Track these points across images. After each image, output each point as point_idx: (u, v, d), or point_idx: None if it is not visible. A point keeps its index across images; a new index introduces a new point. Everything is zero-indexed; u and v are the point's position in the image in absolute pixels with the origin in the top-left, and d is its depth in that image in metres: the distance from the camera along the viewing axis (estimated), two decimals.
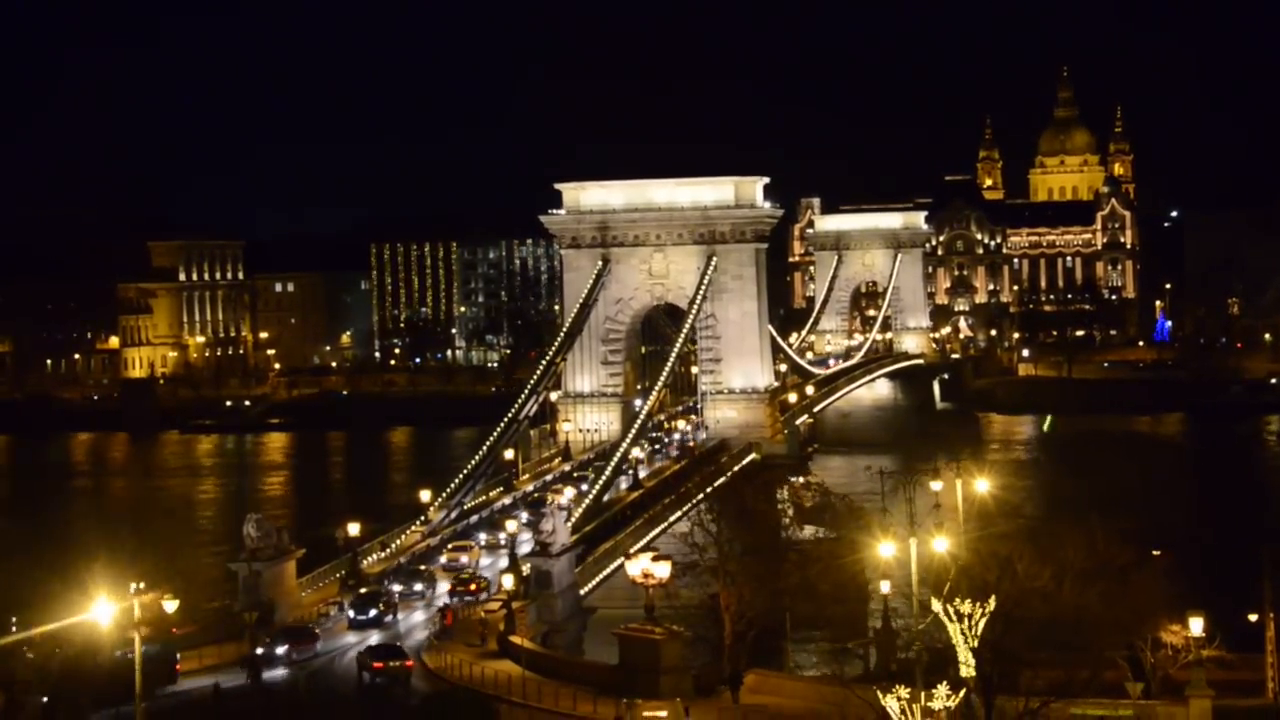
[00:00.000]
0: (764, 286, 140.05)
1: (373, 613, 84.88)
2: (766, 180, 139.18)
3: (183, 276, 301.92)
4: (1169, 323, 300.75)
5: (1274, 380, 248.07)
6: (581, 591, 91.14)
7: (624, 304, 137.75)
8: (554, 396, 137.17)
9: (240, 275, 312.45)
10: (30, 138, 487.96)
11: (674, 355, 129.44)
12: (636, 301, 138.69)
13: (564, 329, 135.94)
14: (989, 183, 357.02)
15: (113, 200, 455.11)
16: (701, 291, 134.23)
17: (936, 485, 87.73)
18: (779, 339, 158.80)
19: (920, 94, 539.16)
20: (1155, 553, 75.17)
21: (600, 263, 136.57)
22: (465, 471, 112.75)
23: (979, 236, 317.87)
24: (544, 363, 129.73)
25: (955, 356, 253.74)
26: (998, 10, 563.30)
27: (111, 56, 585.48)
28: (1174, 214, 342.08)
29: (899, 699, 51.59)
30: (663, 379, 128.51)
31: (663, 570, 72.22)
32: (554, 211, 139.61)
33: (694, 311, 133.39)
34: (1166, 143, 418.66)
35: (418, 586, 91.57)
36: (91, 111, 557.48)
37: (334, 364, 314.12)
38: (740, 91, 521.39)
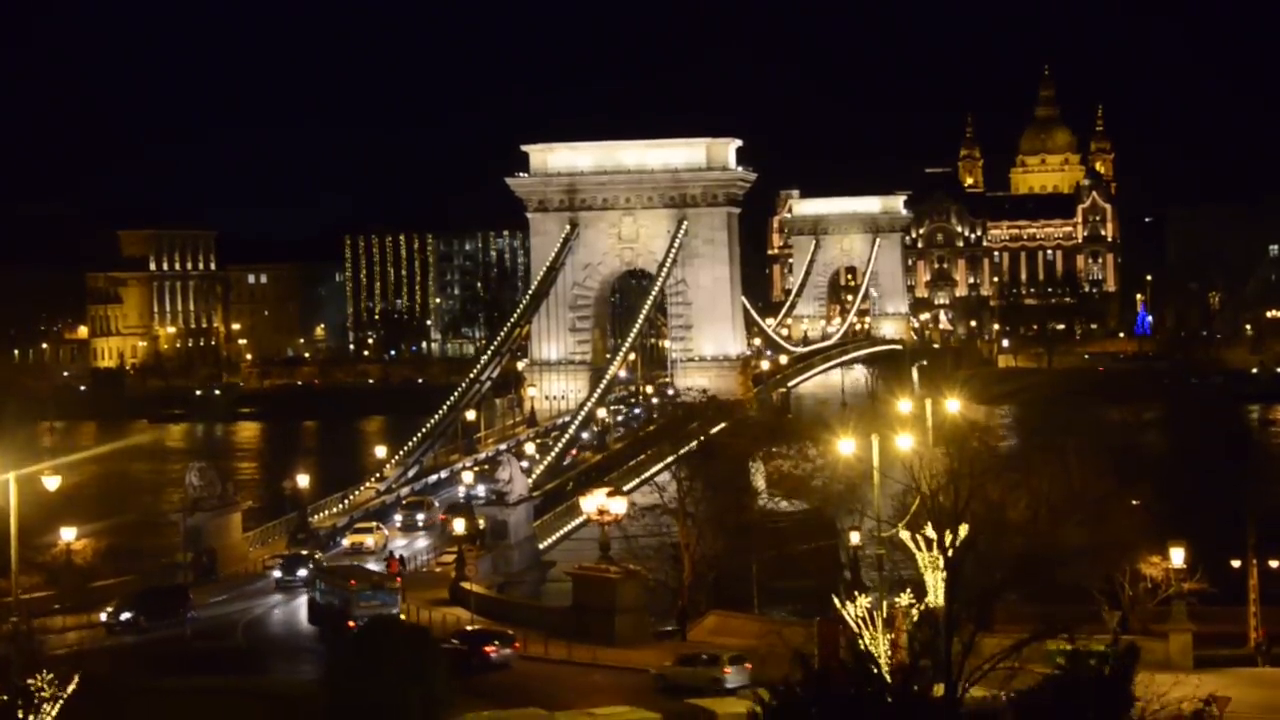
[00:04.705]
0: (736, 252, 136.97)
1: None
2: (739, 143, 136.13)
3: (153, 266, 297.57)
4: (1150, 316, 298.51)
5: (1255, 371, 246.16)
6: (541, 546, 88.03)
7: (592, 269, 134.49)
8: (520, 365, 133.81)
9: (212, 266, 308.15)
10: None
11: (641, 317, 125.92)
12: (605, 266, 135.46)
13: (529, 294, 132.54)
14: (970, 181, 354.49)
15: (82, 188, 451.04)
16: (671, 255, 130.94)
17: (905, 405, 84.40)
18: (751, 310, 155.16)
19: (902, 92, 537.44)
20: (1134, 502, 72.09)
21: (568, 227, 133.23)
22: (424, 430, 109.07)
23: (959, 229, 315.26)
24: (508, 325, 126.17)
25: (935, 346, 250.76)
26: (979, 9, 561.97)
27: (85, 41, 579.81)
28: (1155, 213, 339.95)
29: (860, 618, 48.13)
30: (630, 340, 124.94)
31: (618, 506, 69.02)
32: (520, 174, 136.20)
33: (663, 276, 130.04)
34: (1148, 142, 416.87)
35: (301, 573, 79.10)
36: (62, 97, 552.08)
37: (307, 355, 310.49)
38: (717, 84, 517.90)
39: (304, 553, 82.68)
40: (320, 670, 57.06)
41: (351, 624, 63.05)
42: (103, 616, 68.54)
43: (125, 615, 69.14)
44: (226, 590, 79.23)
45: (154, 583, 76.44)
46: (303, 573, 78.37)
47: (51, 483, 56.46)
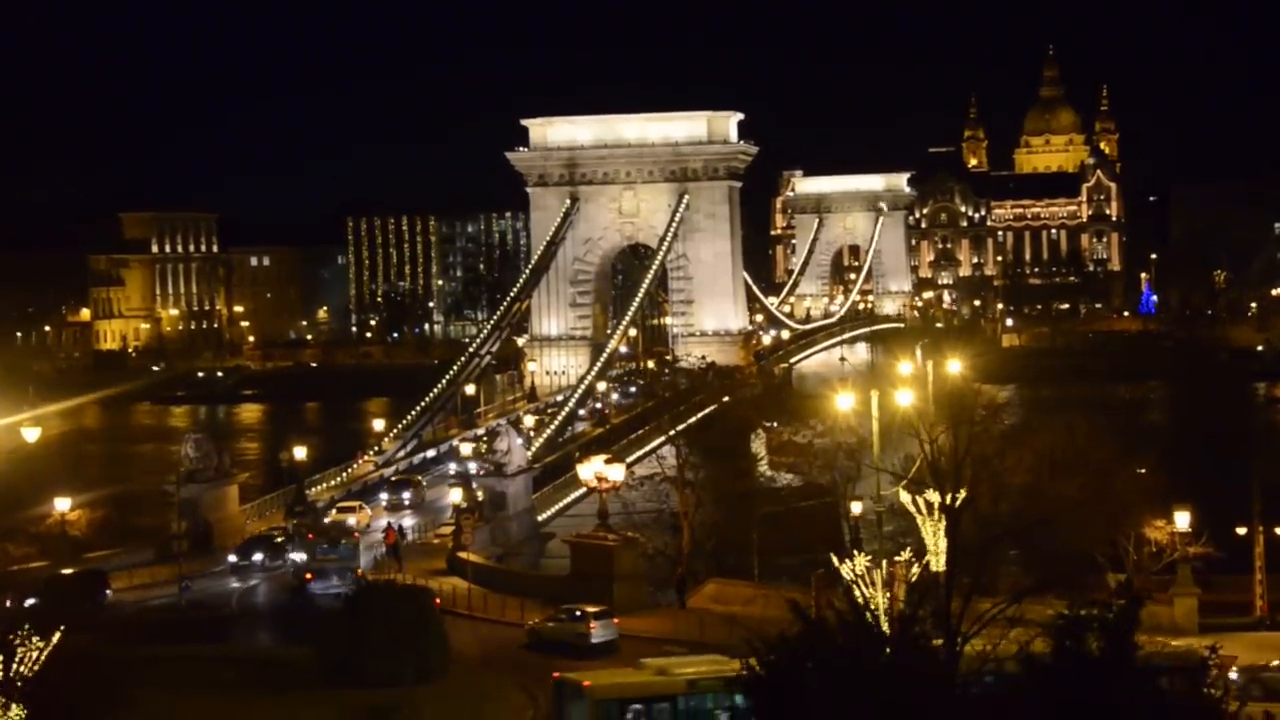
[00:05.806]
0: (737, 226, 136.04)
1: None
2: (740, 116, 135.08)
3: (155, 249, 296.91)
4: (1154, 295, 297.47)
5: (1260, 348, 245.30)
6: (540, 518, 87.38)
7: (593, 244, 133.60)
8: (521, 340, 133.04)
9: (214, 248, 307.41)
10: None
11: (641, 291, 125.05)
12: (606, 241, 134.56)
13: (529, 269, 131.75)
14: (974, 162, 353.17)
15: (84, 170, 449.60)
16: (672, 230, 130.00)
17: (905, 367, 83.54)
18: (753, 286, 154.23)
19: (906, 72, 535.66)
20: (1140, 471, 71.28)
21: (568, 201, 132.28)
22: (423, 404, 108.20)
23: (963, 209, 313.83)
24: (508, 300, 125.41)
25: (939, 325, 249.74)
26: None
27: (84, 24, 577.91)
28: (1160, 192, 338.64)
29: (860, 575, 47.35)
30: (629, 315, 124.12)
31: (616, 473, 68.24)
32: (520, 149, 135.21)
33: (664, 250, 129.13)
34: (1152, 122, 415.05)
35: (256, 557, 77.15)
36: (63, 80, 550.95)
37: (310, 338, 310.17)
38: (720, 63, 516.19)
39: (275, 534, 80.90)
40: (311, 632, 56.62)
41: (309, 575, 69.91)
42: (8, 603, 63.64)
43: (30, 602, 63.98)
44: (219, 563, 78.43)
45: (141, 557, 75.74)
46: (258, 556, 76.66)
47: (31, 434, 55.47)
